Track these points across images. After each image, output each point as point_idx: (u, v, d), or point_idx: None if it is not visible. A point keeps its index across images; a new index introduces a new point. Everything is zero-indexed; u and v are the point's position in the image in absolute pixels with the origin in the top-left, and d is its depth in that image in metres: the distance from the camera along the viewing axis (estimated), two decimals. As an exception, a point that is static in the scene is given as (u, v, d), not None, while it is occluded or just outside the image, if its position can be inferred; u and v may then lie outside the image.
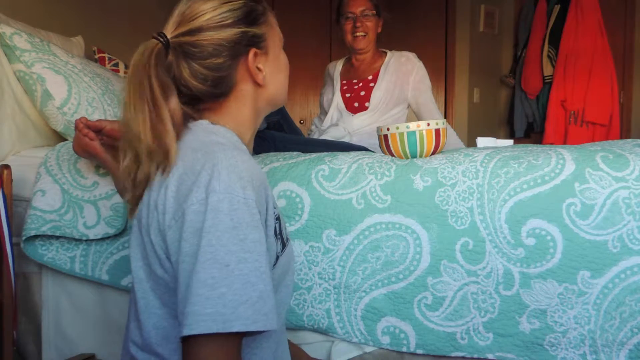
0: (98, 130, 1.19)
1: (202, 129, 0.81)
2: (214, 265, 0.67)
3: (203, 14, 0.80)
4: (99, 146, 1.20)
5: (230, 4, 0.82)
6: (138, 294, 0.79)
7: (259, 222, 0.71)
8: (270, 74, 0.87)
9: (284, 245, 0.84)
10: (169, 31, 0.80)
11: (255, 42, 0.84)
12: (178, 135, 0.79)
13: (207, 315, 0.65)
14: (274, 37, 0.89)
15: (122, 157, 0.79)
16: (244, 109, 0.86)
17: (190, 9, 0.81)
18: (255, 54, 0.84)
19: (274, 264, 0.80)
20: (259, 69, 0.85)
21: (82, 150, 1.23)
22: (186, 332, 0.65)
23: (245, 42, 0.83)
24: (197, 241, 0.68)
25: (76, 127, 1.20)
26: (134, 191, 0.80)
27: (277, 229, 0.81)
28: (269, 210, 0.78)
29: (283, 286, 0.86)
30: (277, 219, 0.82)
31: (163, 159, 0.76)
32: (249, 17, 0.84)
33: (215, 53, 0.80)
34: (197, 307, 0.65)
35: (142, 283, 0.79)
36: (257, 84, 0.86)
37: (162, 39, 0.78)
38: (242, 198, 0.70)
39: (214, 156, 0.73)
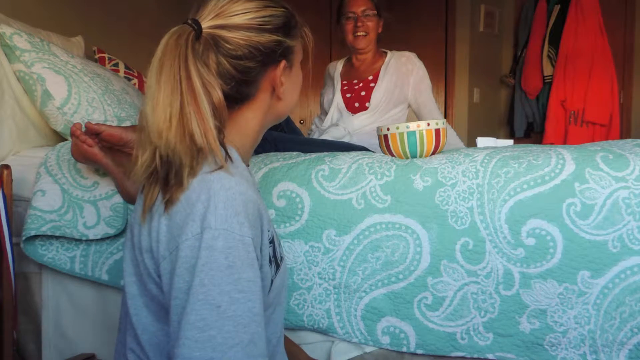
0: (96, 133, 1.17)
1: None
2: (205, 306, 0.63)
3: (246, 12, 0.76)
4: (99, 151, 1.19)
5: (272, 9, 0.79)
6: (131, 309, 0.76)
7: (254, 260, 0.68)
8: (288, 88, 0.85)
9: (277, 267, 0.80)
10: (204, 20, 0.75)
11: (287, 54, 0.82)
12: (224, 133, 0.74)
13: (195, 358, 0.63)
14: (299, 54, 0.87)
15: (141, 153, 0.72)
16: (254, 120, 0.83)
17: (232, 2, 0.76)
18: (284, 67, 0.82)
19: (269, 289, 0.77)
20: (281, 81, 0.83)
21: (81, 157, 1.22)
22: None
23: (279, 52, 0.80)
24: (190, 278, 0.65)
25: (72, 134, 1.18)
26: (150, 190, 0.73)
27: (272, 253, 0.78)
28: (264, 240, 0.74)
29: (279, 304, 0.84)
30: (272, 241, 0.78)
31: (193, 161, 0.69)
32: (287, 27, 0.81)
33: (249, 56, 0.76)
34: (185, 350, 0.63)
35: (134, 299, 0.76)
36: (276, 97, 0.83)
37: (195, 27, 0.73)
38: (239, 235, 0.66)
39: (210, 186, 0.68)
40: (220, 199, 0.67)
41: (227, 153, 0.73)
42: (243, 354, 0.64)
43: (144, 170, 0.72)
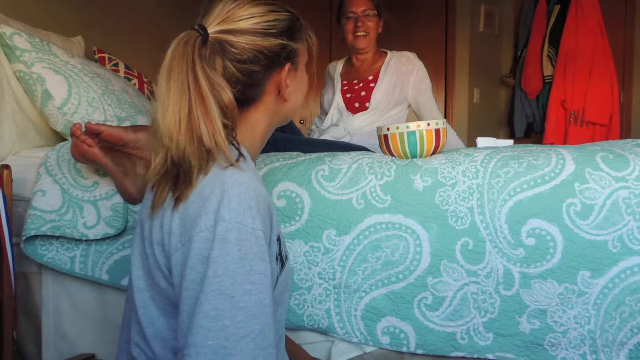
0: (96, 133, 1.17)
1: None
2: (219, 296, 0.66)
3: (251, 17, 0.79)
4: (99, 151, 1.19)
5: (277, 13, 0.82)
6: (137, 303, 0.77)
7: (265, 253, 0.70)
8: (293, 90, 0.87)
9: (282, 265, 0.83)
10: (211, 25, 0.77)
11: (291, 57, 0.84)
12: (235, 132, 0.76)
13: (208, 347, 0.65)
14: (304, 56, 0.89)
15: (154, 157, 0.75)
16: (262, 121, 0.85)
17: (238, 8, 0.79)
18: (289, 69, 0.84)
19: (275, 285, 0.79)
20: (286, 84, 0.85)
21: (81, 157, 1.22)
22: None
23: (284, 56, 0.82)
24: (203, 269, 0.67)
25: (72, 134, 1.18)
26: (160, 188, 0.75)
27: (277, 250, 0.80)
28: (272, 236, 0.77)
29: (281, 303, 0.85)
30: (278, 239, 0.81)
31: (206, 161, 0.71)
32: (291, 30, 0.83)
33: (253, 59, 0.79)
34: (199, 339, 0.65)
35: (141, 292, 0.77)
36: (282, 98, 0.85)
37: (202, 32, 0.76)
38: (251, 229, 0.69)
39: (224, 180, 0.70)
40: (234, 193, 0.69)
41: (239, 151, 0.76)
42: (254, 344, 0.66)
43: (157, 172, 0.75)
